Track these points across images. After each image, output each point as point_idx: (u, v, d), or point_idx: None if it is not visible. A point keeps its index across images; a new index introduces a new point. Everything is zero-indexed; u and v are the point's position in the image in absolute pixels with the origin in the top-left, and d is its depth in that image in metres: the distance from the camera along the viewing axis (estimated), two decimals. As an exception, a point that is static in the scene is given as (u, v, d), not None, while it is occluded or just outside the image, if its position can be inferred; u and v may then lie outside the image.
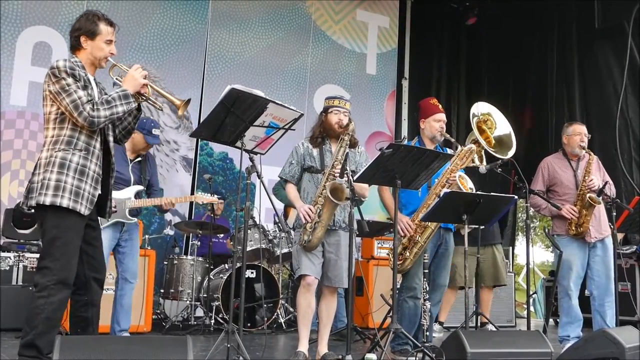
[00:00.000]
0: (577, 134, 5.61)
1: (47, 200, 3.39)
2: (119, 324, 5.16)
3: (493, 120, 5.29)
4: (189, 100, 3.69)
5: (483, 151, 5.19)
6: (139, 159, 5.22)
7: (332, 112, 4.56)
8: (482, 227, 5.88)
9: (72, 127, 3.50)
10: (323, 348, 4.48)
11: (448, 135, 4.90)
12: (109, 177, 3.68)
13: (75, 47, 3.63)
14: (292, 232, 4.82)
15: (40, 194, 3.40)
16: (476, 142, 5.08)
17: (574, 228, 5.41)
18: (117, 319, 5.14)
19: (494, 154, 5.19)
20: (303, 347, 4.37)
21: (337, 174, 4.32)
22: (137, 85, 3.60)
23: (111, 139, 3.70)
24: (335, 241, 4.47)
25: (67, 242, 3.42)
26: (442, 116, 4.94)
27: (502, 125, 5.32)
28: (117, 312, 5.14)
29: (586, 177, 5.45)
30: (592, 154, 5.59)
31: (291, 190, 4.56)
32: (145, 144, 5.15)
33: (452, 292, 6.60)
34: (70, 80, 3.44)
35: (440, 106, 5.01)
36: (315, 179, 4.53)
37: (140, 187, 5.16)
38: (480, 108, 5.28)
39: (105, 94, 3.63)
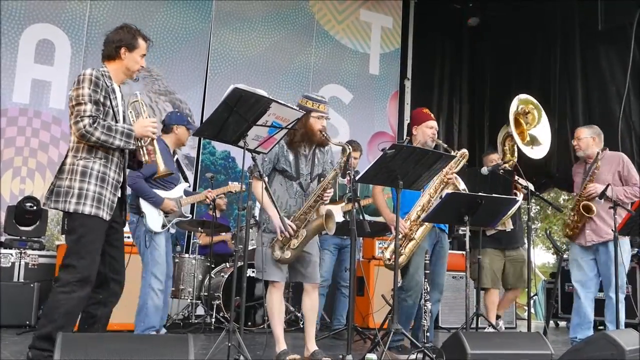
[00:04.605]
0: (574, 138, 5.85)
1: (71, 208, 3.54)
2: (162, 319, 5.34)
3: (535, 115, 5.44)
4: (170, 174, 4.03)
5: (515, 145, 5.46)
6: (176, 156, 5.52)
7: (316, 116, 4.45)
8: (508, 229, 6.00)
9: None
10: (312, 345, 4.46)
11: (440, 141, 5.00)
12: (125, 182, 3.83)
13: (111, 56, 3.76)
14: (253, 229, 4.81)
15: (65, 201, 3.55)
16: (509, 136, 5.38)
17: (567, 231, 5.75)
18: (162, 316, 5.31)
19: (525, 152, 5.44)
20: (284, 345, 4.38)
21: (326, 198, 4.30)
22: (143, 133, 3.71)
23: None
24: None
25: (92, 241, 3.56)
26: (434, 124, 5.07)
27: (543, 124, 5.54)
28: (163, 310, 5.33)
29: (588, 184, 5.54)
30: (596, 156, 5.61)
31: (260, 189, 4.33)
32: (189, 133, 5.44)
33: (495, 293, 6.30)
34: (88, 90, 3.55)
35: (432, 115, 5.15)
36: (287, 185, 4.45)
37: (187, 184, 5.50)
38: (525, 100, 5.49)
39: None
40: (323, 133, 4.43)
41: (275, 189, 4.46)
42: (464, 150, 5.01)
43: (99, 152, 3.61)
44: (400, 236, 4.71)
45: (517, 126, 5.43)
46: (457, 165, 4.94)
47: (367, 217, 4.94)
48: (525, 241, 6.01)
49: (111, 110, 3.66)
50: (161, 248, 5.17)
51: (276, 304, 4.39)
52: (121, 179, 3.75)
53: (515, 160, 5.65)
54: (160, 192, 5.25)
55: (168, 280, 5.36)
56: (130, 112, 3.84)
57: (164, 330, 5.34)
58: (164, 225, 5.19)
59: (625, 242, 5.56)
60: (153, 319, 5.07)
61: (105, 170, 3.63)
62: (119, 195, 3.74)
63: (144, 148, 3.76)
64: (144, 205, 5.15)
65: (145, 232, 5.15)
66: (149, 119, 3.78)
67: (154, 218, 5.17)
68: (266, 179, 4.40)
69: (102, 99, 3.60)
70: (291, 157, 4.46)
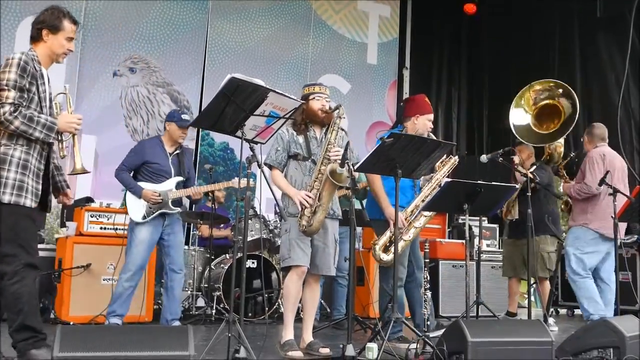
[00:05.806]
0: None
1: None
2: (171, 313, 5.35)
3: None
4: (86, 172, 3.83)
5: None
6: (178, 151, 5.50)
7: (314, 98, 4.53)
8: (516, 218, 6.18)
9: None
10: (308, 336, 4.47)
11: (433, 136, 5.02)
12: (49, 172, 3.73)
13: (35, 38, 3.71)
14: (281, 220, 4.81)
15: None
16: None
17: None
18: (169, 309, 5.34)
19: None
20: (292, 334, 4.38)
21: (333, 157, 4.29)
22: (66, 129, 3.65)
23: None
24: (322, 229, 4.43)
25: (25, 228, 3.50)
26: (432, 116, 5.16)
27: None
28: (170, 302, 5.36)
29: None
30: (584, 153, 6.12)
31: (280, 177, 4.47)
32: (180, 130, 5.42)
33: (514, 282, 6.53)
34: (14, 76, 3.46)
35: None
36: (302, 167, 4.48)
37: (180, 178, 5.47)
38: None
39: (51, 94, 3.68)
40: (324, 110, 4.46)
41: (292, 174, 4.49)
42: (456, 158, 5.10)
43: (20, 139, 3.52)
44: (390, 235, 4.78)
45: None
46: (449, 170, 5.05)
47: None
48: (545, 230, 6.16)
49: (36, 97, 3.57)
50: (138, 239, 5.21)
51: (293, 290, 4.37)
52: (43, 168, 3.65)
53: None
54: (147, 185, 5.31)
55: (173, 274, 5.36)
56: (56, 103, 3.75)
57: (177, 323, 5.34)
58: (144, 216, 5.23)
59: (574, 229, 5.92)
60: (114, 305, 5.16)
61: (28, 158, 3.53)
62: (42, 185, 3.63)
63: (62, 142, 3.68)
64: (128, 196, 5.29)
65: (130, 222, 5.29)
66: (75, 115, 3.72)
67: (135, 208, 5.24)
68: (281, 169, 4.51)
69: (27, 85, 3.51)
70: (301, 140, 4.51)
